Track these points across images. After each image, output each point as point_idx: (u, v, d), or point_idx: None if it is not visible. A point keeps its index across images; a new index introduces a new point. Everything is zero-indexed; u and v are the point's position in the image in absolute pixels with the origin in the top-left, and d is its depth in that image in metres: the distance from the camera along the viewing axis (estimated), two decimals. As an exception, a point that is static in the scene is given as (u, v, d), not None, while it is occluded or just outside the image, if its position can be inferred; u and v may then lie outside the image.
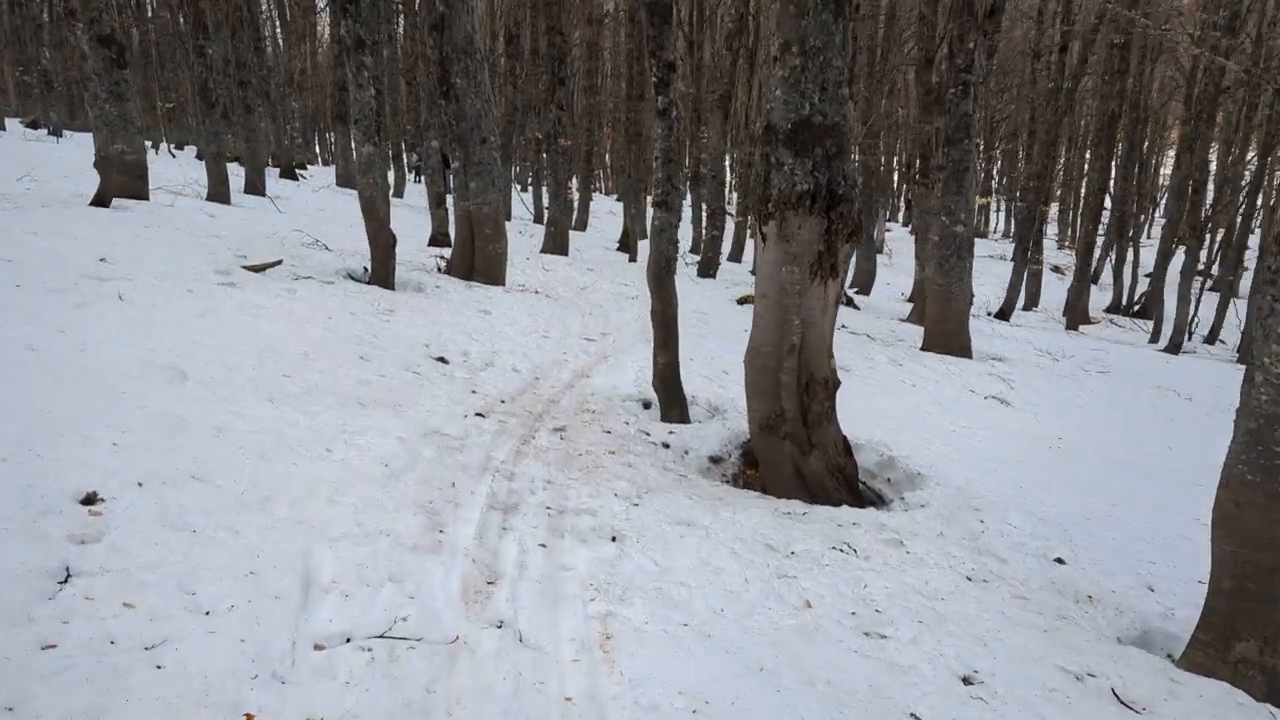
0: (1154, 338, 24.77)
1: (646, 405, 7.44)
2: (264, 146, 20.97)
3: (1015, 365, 12.24)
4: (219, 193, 17.29)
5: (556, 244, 17.75)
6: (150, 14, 32.01)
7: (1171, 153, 36.33)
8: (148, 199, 13.77)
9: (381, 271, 9.24)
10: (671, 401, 7.05)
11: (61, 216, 9.74)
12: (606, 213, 39.29)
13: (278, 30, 31.34)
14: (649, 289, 7.14)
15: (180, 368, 5.34)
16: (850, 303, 15.17)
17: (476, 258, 10.95)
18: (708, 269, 17.51)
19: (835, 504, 5.96)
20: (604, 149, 49.67)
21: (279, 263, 8.55)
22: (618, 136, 46.22)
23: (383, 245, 9.17)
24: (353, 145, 9.18)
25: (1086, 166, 30.24)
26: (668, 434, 6.61)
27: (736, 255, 26.40)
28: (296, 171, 25.34)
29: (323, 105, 37.97)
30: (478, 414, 6.14)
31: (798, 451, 6.01)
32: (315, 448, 4.72)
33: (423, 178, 29.30)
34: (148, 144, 32.45)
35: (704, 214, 27.03)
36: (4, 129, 29.27)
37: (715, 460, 6.56)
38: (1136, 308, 30.13)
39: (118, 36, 13.50)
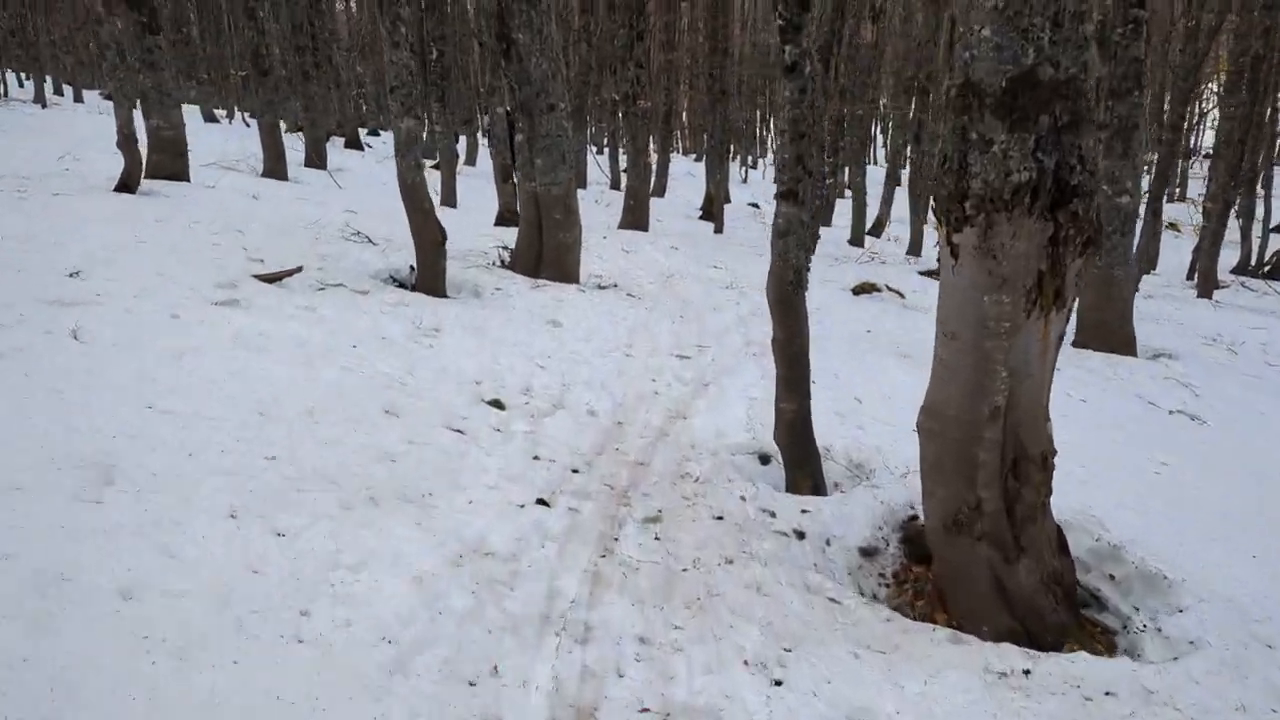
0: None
1: (764, 460, 5.56)
2: (326, 116, 19.35)
3: (1188, 362, 10.01)
4: (275, 168, 15.77)
5: (636, 218, 15.83)
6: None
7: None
8: (188, 179, 12.24)
9: (429, 275, 7.47)
10: (801, 461, 5.15)
11: (66, 208, 8.16)
12: (685, 174, 37.10)
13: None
14: (770, 310, 5.25)
15: (110, 462, 3.61)
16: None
17: (545, 248, 9.11)
18: (805, 243, 15.42)
19: (1052, 629, 4.06)
20: (682, 108, 47.28)
21: (299, 269, 6.81)
22: (698, 95, 43.89)
23: (429, 243, 7.39)
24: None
25: (1218, 114, 27.10)
26: (799, 513, 4.72)
27: (826, 219, 24.13)
28: (364, 141, 23.77)
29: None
30: (540, 501, 4.32)
31: (999, 558, 4.07)
32: (281, 619, 2.94)
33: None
34: (221, 113, 31.39)
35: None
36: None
37: (868, 553, 4.66)
38: (1267, 268, 27.11)
39: (149, -2, 11.91)
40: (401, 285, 7.70)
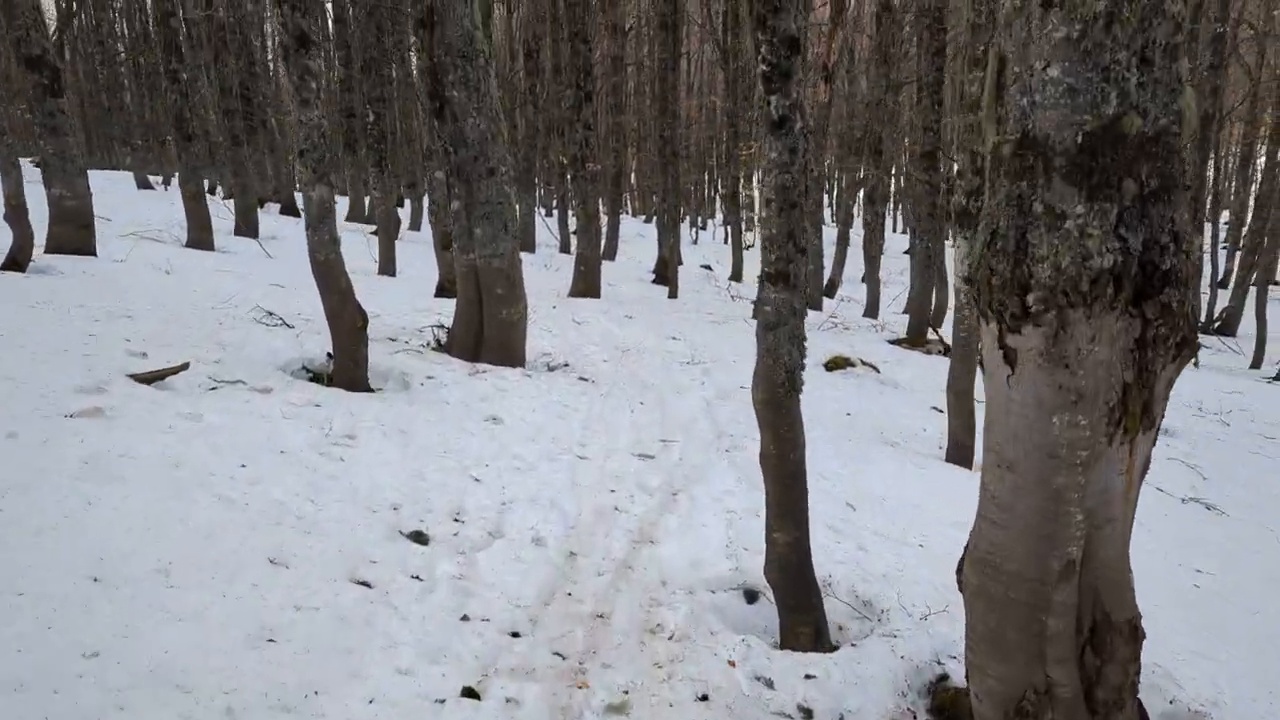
0: (1256, 363, 21.54)
1: (751, 597, 4.50)
2: (256, 181, 18.22)
3: (1185, 438, 9.20)
4: (200, 238, 14.60)
5: (587, 285, 14.87)
6: (124, 34, 29.54)
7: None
8: (94, 253, 11.04)
9: (348, 366, 6.36)
10: (799, 604, 4.09)
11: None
12: (635, 236, 36.39)
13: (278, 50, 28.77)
14: (758, 417, 4.23)
15: None
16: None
17: (486, 328, 8.06)
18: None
19: None
20: (630, 170, 46.85)
21: (185, 366, 5.66)
22: (646, 157, 43.46)
23: (348, 328, 6.30)
24: (298, 182, 6.52)
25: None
26: (803, 679, 3.66)
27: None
28: (301, 206, 22.60)
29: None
30: (467, 691, 3.22)
31: (1078, 760, 3.05)
32: None
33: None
34: (157, 179, 30.06)
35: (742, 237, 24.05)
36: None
37: (892, 736, 3.61)
38: (1217, 324, 26.89)
39: (50, 58, 10.80)
40: (317, 377, 6.58)
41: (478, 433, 5.90)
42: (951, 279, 12.82)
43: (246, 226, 17.67)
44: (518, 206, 27.77)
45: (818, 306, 19.24)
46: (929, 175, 12.14)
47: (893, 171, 26.59)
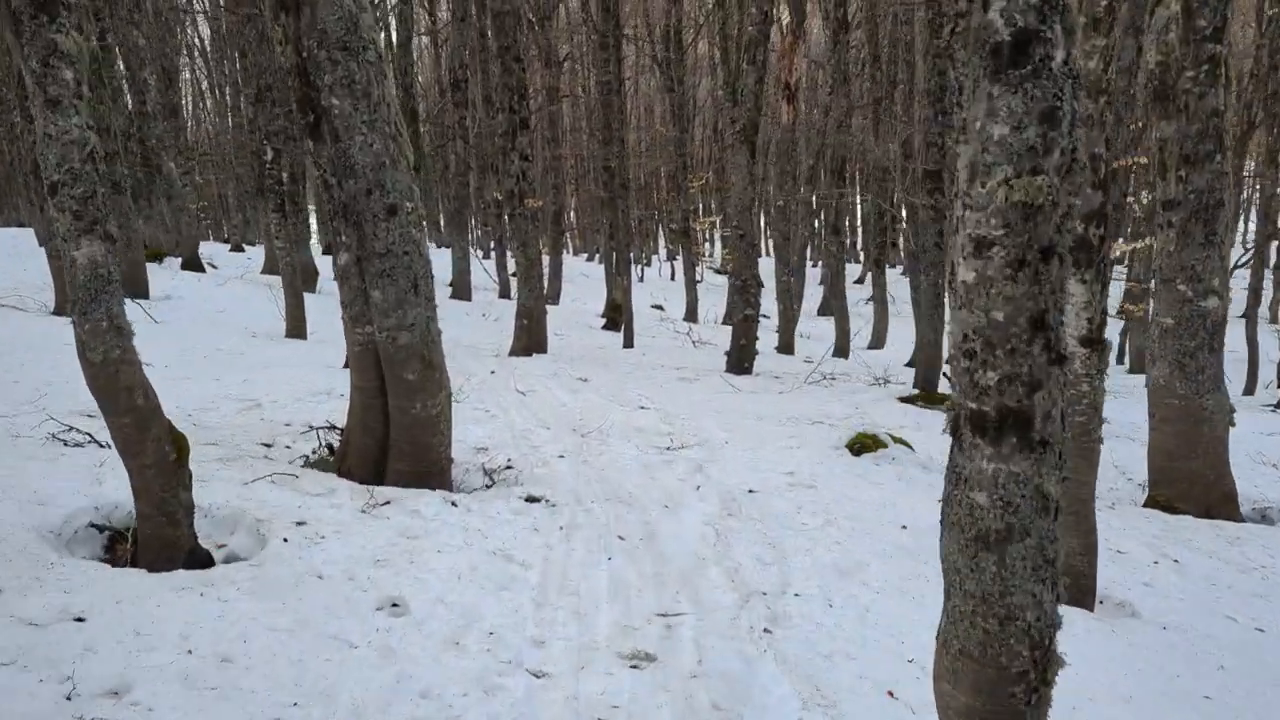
0: (1249, 389, 19.81)
1: None
2: (161, 233, 15.55)
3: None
4: (66, 303, 11.84)
5: (532, 340, 12.48)
6: None
7: None
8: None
9: (157, 526, 3.88)
10: None
11: None
12: (579, 276, 34.04)
13: (186, 89, 25.97)
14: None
15: None
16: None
17: (394, 429, 5.62)
18: (741, 362, 12.23)
19: None
20: (569, 206, 44.63)
21: None
22: (586, 192, 41.27)
23: (151, 468, 3.83)
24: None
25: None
26: None
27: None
28: (208, 261, 19.92)
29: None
30: None
31: None
32: None
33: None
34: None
35: (695, 275, 21.90)
36: None
37: None
38: None
39: None
40: (117, 539, 4.10)
41: (362, 641, 3.46)
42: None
43: (133, 286, 14.96)
44: (450, 251, 25.33)
45: (789, 349, 17.05)
46: (934, 198, 10.00)
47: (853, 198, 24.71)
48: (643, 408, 9.27)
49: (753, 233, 12.17)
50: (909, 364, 17.74)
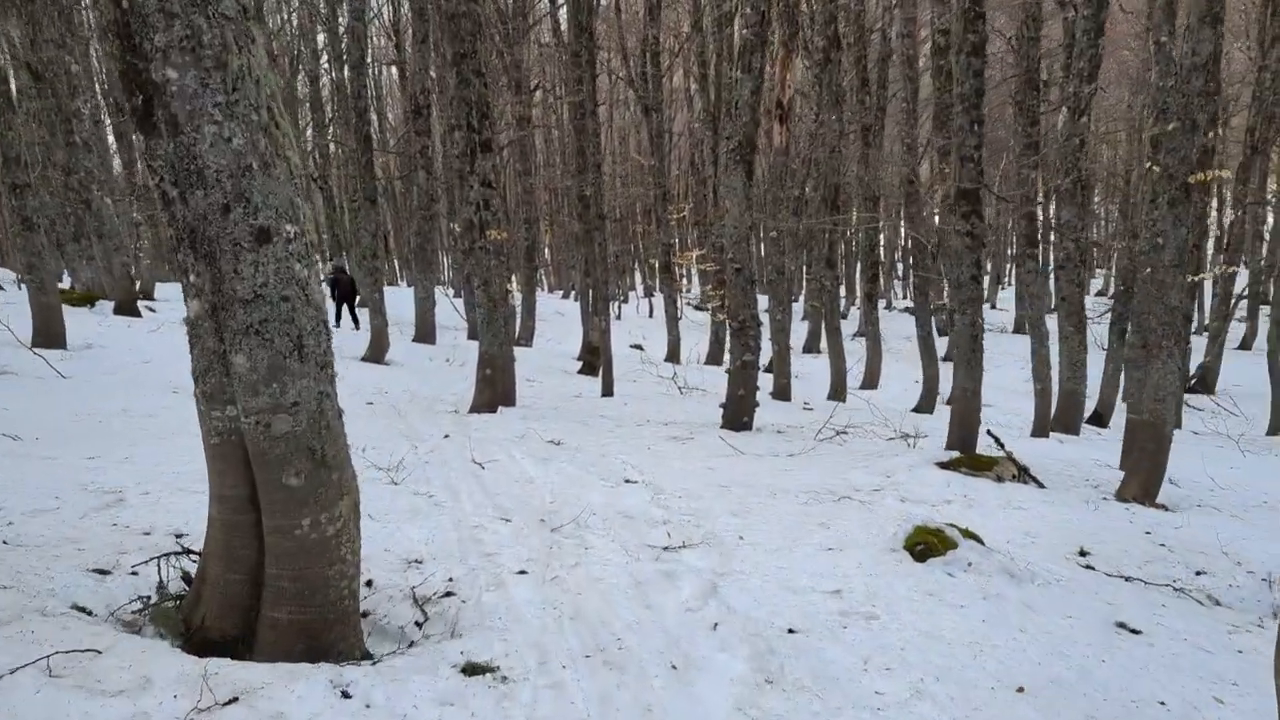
0: (1273, 429, 18.25)
1: None
2: (54, 278, 13.59)
3: None
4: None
5: (497, 392, 10.62)
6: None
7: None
8: None
9: None
10: None
11: None
12: (553, 314, 32.24)
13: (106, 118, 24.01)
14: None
15: None
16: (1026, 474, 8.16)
17: (269, 562, 3.73)
18: (740, 416, 10.41)
19: None
20: (544, 243, 42.91)
21: None
22: (560, 229, 39.62)
23: None
24: None
25: None
26: None
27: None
28: (141, 305, 17.94)
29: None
30: None
31: None
32: None
33: (340, 299, 22.06)
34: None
35: (674, 313, 20.11)
36: None
37: None
38: (1193, 380, 23.77)
39: None
40: None
41: None
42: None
43: (45, 336, 12.99)
44: (412, 289, 23.39)
45: (785, 395, 15.26)
46: (970, 223, 8.29)
47: (846, 230, 23.10)
48: (629, 481, 7.42)
49: (750, 267, 10.41)
50: (916, 409, 16.00)
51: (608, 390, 13.90)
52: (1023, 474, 7.82)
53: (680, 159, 36.56)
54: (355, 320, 21.99)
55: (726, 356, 24.41)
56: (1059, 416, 13.47)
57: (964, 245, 8.41)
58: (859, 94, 19.74)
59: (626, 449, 8.91)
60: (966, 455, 8.04)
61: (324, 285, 26.75)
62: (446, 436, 8.77)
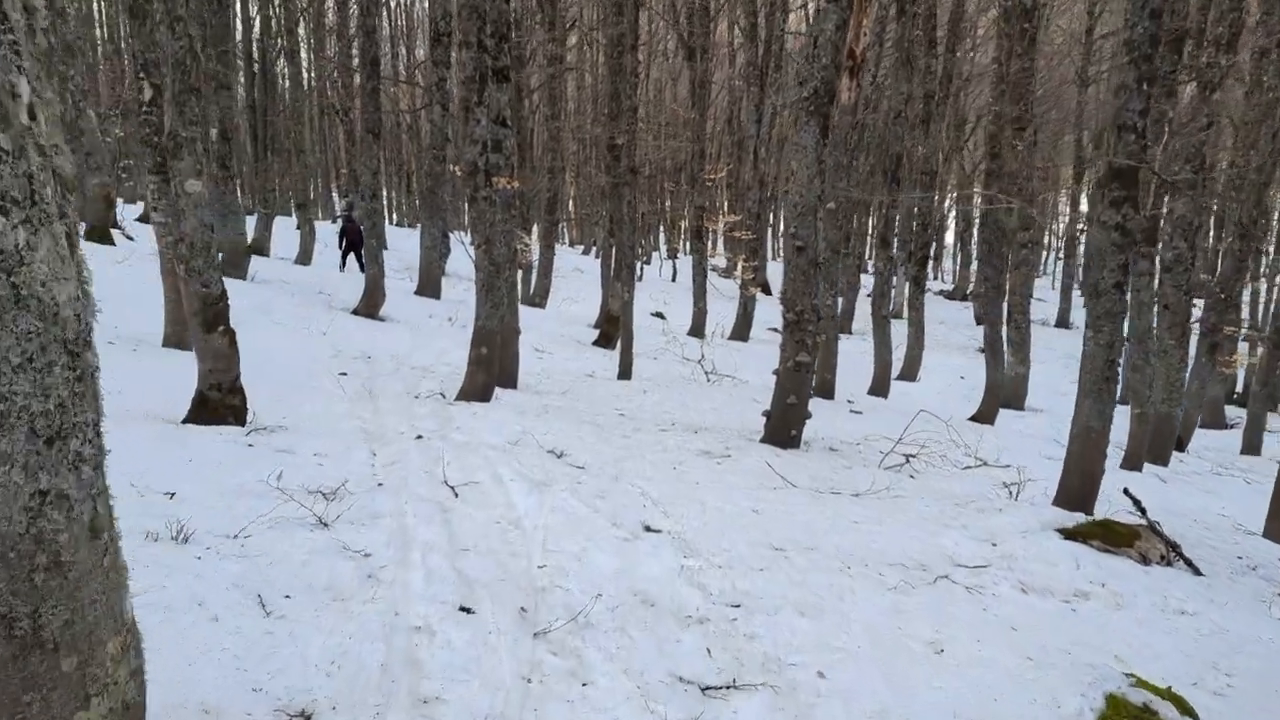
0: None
1: None
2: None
3: None
4: None
5: (492, 376, 8.58)
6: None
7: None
8: None
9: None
10: None
11: None
12: (571, 271, 30.10)
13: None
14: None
15: None
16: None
17: None
18: (788, 428, 8.31)
19: None
20: (568, 195, 40.58)
21: None
22: (587, 181, 37.35)
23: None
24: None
25: None
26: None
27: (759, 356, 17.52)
28: (118, 230, 15.93)
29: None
30: None
31: None
32: None
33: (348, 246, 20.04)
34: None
35: (703, 291, 18.12)
36: None
37: None
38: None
39: None
40: None
41: None
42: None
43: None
44: (416, 231, 21.25)
45: (829, 392, 13.17)
46: (1122, 212, 6.15)
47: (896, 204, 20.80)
48: (650, 529, 5.40)
49: (816, 246, 8.27)
50: (976, 418, 13.88)
51: (626, 371, 11.86)
52: (1171, 551, 5.74)
53: (716, 117, 34.11)
54: (362, 267, 19.96)
55: (753, 331, 22.28)
56: (1151, 444, 11.35)
57: (1110, 242, 6.26)
58: (926, 56, 17.41)
59: (647, 468, 6.87)
60: (1097, 524, 5.95)
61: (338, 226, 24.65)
62: (419, 438, 6.74)
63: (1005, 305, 14.74)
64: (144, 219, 20.60)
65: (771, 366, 16.59)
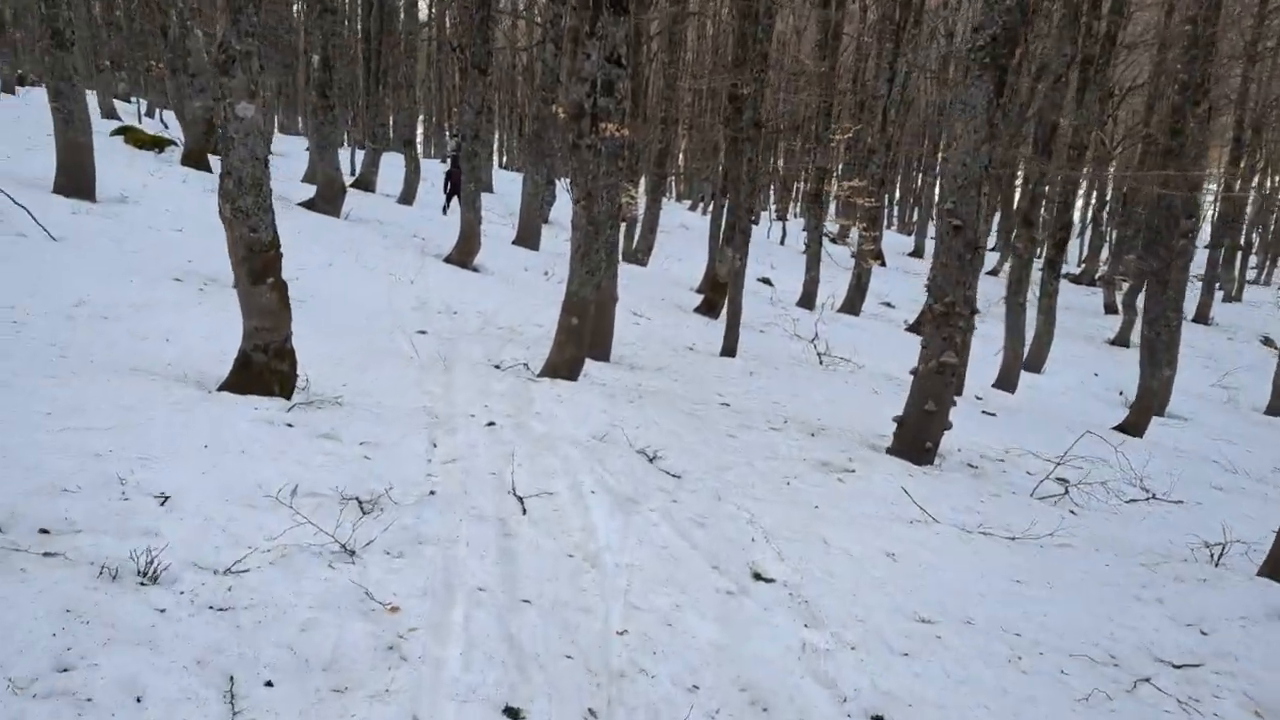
0: None
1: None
2: (86, 107, 10.89)
3: None
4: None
5: (583, 350, 7.46)
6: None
7: None
8: None
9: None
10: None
11: None
12: (677, 227, 28.72)
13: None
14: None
15: None
16: None
17: None
18: (923, 440, 6.96)
19: None
20: (678, 149, 38.99)
21: None
22: (700, 134, 35.69)
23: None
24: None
25: None
26: None
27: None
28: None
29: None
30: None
31: None
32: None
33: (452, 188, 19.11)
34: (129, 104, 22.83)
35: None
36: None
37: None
38: None
39: None
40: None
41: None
42: None
43: (70, 179, 10.41)
44: (521, 179, 20.21)
45: (958, 387, 11.60)
46: None
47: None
48: (761, 577, 4.23)
49: (976, 226, 6.83)
50: (1123, 428, 12.14)
51: (731, 348, 10.61)
52: None
53: (840, 75, 31.97)
54: (465, 211, 19.06)
55: (865, 304, 20.66)
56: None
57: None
58: (1089, 15, 15.34)
59: (755, 481, 5.67)
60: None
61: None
62: (491, 425, 5.66)
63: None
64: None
65: (889, 347, 15.09)
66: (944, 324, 6.92)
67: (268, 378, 5.26)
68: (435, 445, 5.06)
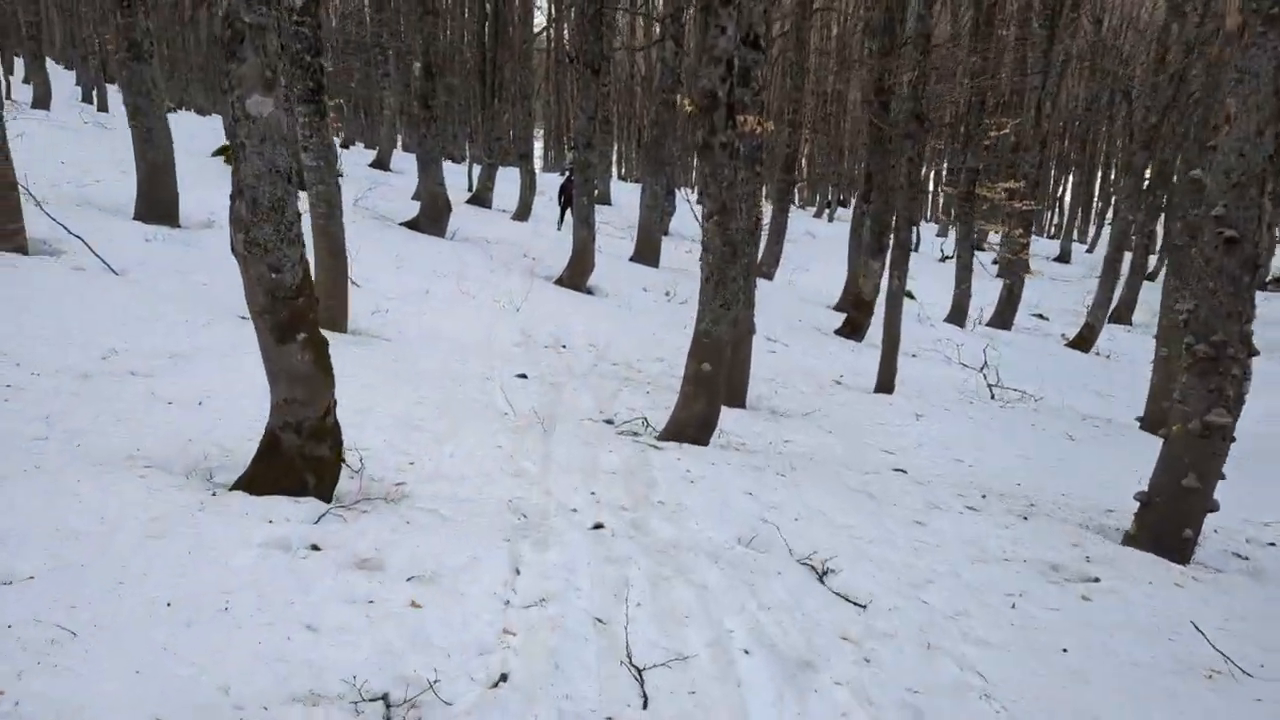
0: None
1: None
2: (161, 134, 9.93)
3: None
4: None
5: (715, 404, 5.82)
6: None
7: None
8: None
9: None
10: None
11: None
12: (803, 235, 26.67)
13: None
14: None
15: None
16: None
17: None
18: (1178, 528, 5.00)
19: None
20: (803, 153, 36.89)
21: None
22: (822, 139, 33.70)
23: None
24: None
25: None
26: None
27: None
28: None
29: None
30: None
31: None
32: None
33: (566, 201, 17.90)
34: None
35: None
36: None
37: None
38: None
39: None
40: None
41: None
42: None
43: (151, 204, 9.47)
44: (639, 190, 18.70)
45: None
46: None
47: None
48: None
49: (1257, 237, 4.87)
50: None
51: (887, 383, 8.77)
52: None
53: (993, 64, 29.26)
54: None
55: (1017, 317, 18.29)
56: None
57: None
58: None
59: (969, 609, 3.90)
60: None
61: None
62: (598, 529, 4.07)
63: None
64: (380, 165, 19.30)
65: (1061, 371, 12.84)
66: (1211, 371, 4.96)
67: (299, 467, 3.83)
68: (519, 572, 3.50)
